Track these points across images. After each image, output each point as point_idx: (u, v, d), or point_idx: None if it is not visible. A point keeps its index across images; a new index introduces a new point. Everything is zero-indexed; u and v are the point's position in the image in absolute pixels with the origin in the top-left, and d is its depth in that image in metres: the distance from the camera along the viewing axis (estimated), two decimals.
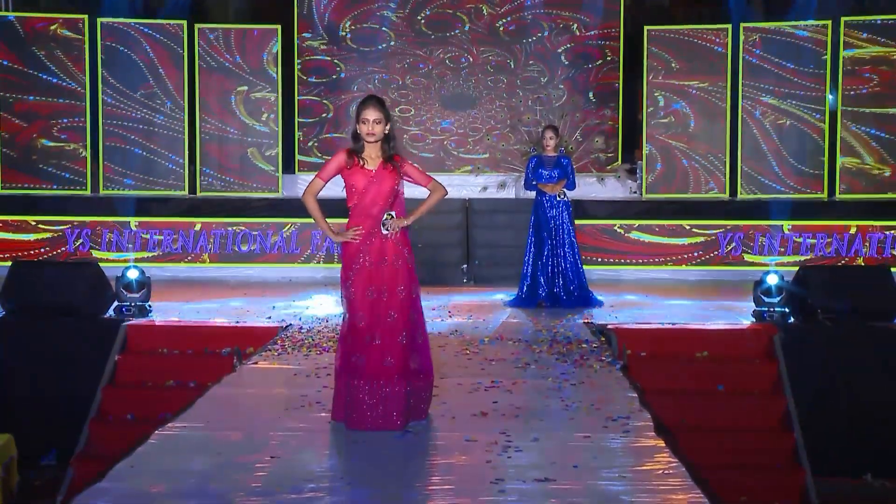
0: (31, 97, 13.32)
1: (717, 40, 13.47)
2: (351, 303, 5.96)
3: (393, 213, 5.94)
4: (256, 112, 13.71)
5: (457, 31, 14.27)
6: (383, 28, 14.28)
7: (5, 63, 13.27)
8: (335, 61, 14.29)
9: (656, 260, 12.59)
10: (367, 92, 14.13)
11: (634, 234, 12.60)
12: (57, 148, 13.42)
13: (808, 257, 12.30)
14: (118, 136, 13.50)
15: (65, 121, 13.38)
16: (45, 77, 13.35)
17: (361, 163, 5.94)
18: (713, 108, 13.49)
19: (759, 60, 13.33)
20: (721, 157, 13.46)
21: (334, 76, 14.32)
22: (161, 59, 13.54)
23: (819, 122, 13.22)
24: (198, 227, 12.75)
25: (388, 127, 5.89)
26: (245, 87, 13.68)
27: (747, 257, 12.51)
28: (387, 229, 5.90)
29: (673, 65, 13.56)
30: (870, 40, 13.11)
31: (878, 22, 13.17)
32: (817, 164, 13.29)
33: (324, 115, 14.34)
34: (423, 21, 14.27)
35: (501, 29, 14.27)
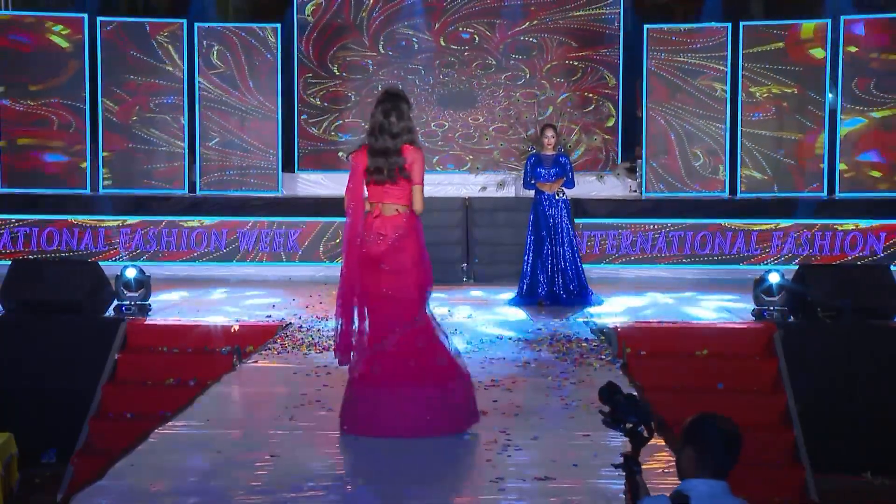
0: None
1: (718, 38, 13.45)
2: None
3: None
4: (255, 111, 13.69)
5: (455, 29, 14.28)
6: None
7: None
8: (335, 57, 14.27)
9: (656, 258, 12.58)
10: (367, 92, 14.19)
11: (634, 233, 12.60)
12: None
13: (807, 254, 12.32)
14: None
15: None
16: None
17: None
18: (713, 107, 13.47)
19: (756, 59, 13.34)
20: (721, 154, 13.44)
21: (335, 74, 14.30)
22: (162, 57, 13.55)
23: (814, 127, 13.23)
24: (198, 226, 12.75)
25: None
26: (246, 85, 13.67)
27: (747, 255, 12.50)
28: None
29: (672, 63, 13.53)
30: None
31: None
32: (820, 162, 13.29)
33: (326, 113, 14.33)
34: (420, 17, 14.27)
35: (500, 28, 14.27)
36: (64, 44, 13.34)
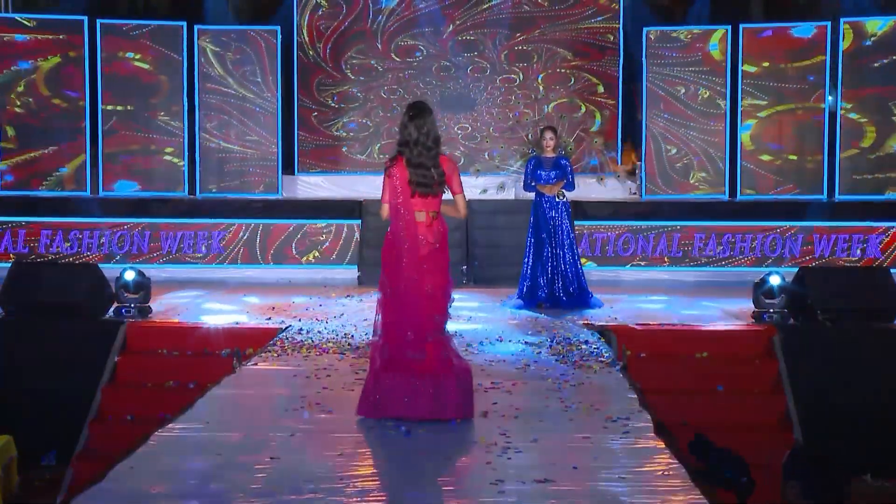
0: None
1: (716, 41, 13.46)
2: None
3: None
4: (257, 112, 13.70)
5: (456, 33, 14.30)
6: (378, 28, 14.31)
7: None
8: (334, 60, 14.29)
9: (655, 260, 12.59)
10: (364, 94, 14.22)
11: (634, 235, 12.61)
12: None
13: (808, 257, 12.33)
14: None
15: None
16: None
17: None
18: (712, 109, 13.47)
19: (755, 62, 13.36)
20: (721, 157, 13.44)
21: (334, 78, 14.32)
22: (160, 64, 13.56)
23: (817, 121, 13.23)
24: (197, 228, 12.76)
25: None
26: (245, 88, 13.68)
27: (747, 257, 12.51)
28: None
29: (671, 66, 13.54)
30: None
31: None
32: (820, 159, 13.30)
33: (325, 115, 14.35)
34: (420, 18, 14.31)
35: (501, 30, 14.29)
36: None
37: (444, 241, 6.14)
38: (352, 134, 14.38)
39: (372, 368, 6.14)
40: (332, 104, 14.33)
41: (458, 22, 14.24)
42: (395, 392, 6.01)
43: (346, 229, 12.58)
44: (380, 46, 14.25)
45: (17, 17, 13.52)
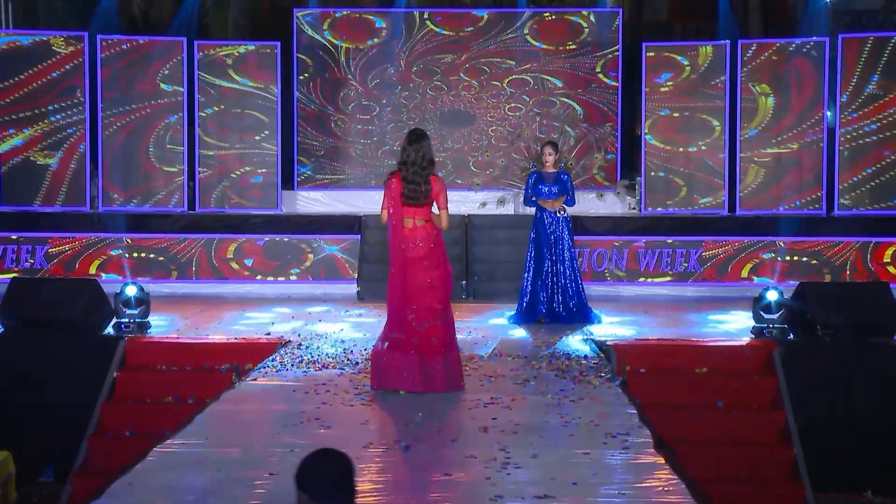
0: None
1: (717, 56, 13.49)
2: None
3: None
4: (256, 127, 13.71)
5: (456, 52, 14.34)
6: (380, 41, 14.35)
7: None
8: (333, 79, 14.33)
9: (655, 275, 12.59)
10: (366, 108, 14.26)
11: (633, 250, 12.61)
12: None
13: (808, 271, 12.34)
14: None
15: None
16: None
17: None
18: (711, 124, 13.49)
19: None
20: (720, 172, 13.45)
21: (333, 92, 14.35)
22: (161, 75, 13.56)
23: (817, 142, 13.24)
24: (197, 244, 12.76)
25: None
26: (244, 103, 13.70)
27: (746, 273, 12.51)
28: None
29: (671, 81, 13.56)
30: None
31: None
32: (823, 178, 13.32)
33: (323, 131, 14.37)
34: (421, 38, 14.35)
35: (501, 45, 14.33)
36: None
37: (437, 240, 7.32)
38: (353, 149, 14.39)
39: (376, 347, 7.42)
40: (334, 119, 14.35)
41: (463, 56, 14.33)
42: (395, 368, 7.23)
43: (345, 244, 12.60)
44: (392, 68, 14.29)
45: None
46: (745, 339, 9.27)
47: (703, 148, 13.48)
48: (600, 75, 14.23)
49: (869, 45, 13.09)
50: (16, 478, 7.56)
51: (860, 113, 13.05)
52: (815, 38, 13.40)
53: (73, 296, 9.37)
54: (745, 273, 12.53)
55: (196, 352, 8.96)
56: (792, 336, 9.19)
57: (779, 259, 12.46)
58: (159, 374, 8.78)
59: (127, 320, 9.46)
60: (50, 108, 13.23)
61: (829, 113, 13.32)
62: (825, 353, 8.80)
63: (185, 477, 5.33)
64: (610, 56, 14.19)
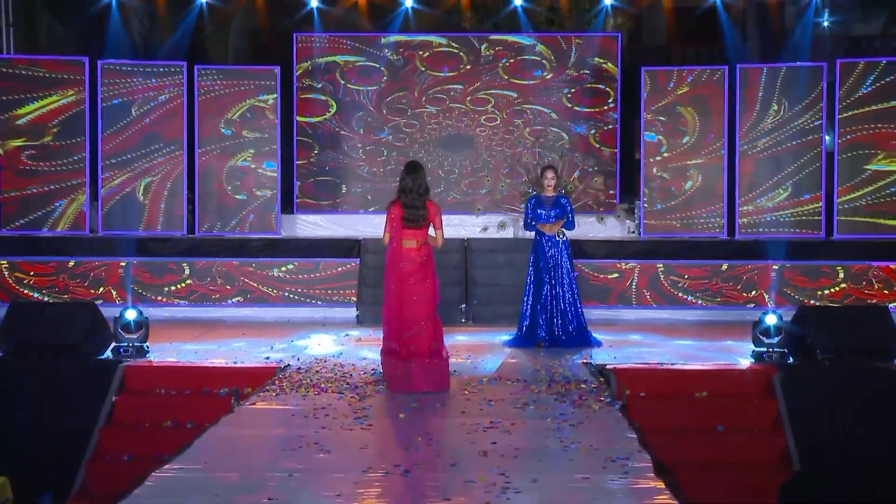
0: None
1: (715, 80, 13.54)
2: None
3: None
4: (256, 151, 13.74)
5: (457, 71, 14.41)
6: (380, 67, 14.43)
7: None
8: (332, 101, 14.38)
9: (655, 299, 12.59)
10: (362, 129, 14.31)
11: (633, 274, 12.61)
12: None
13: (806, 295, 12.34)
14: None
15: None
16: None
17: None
18: (712, 147, 13.53)
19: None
20: (719, 196, 13.47)
21: (331, 116, 14.39)
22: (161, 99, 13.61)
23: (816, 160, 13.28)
24: (196, 268, 12.77)
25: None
26: (244, 128, 13.74)
27: (746, 296, 12.51)
28: None
29: (670, 105, 13.61)
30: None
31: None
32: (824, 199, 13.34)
33: (321, 155, 14.41)
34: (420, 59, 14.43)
35: (501, 70, 14.39)
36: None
37: (428, 258, 8.39)
38: (351, 173, 14.43)
39: (381, 354, 8.52)
40: (331, 145, 14.40)
41: (465, 85, 14.42)
42: (394, 371, 8.21)
43: (344, 268, 12.61)
44: (395, 94, 14.34)
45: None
46: (745, 363, 9.26)
47: (702, 173, 13.52)
48: (598, 98, 14.30)
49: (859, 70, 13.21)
50: (13, 503, 7.53)
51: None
52: (812, 62, 13.49)
53: (72, 320, 9.35)
54: (745, 296, 12.52)
55: (195, 376, 8.94)
56: (792, 360, 9.18)
57: (778, 282, 12.45)
58: (158, 398, 8.75)
59: (126, 344, 9.44)
60: None
61: (827, 137, 13.37)
62: (825, 376, 8.78)
63: (183, 502, 5.31)
64: (608, 80, 14.25)
